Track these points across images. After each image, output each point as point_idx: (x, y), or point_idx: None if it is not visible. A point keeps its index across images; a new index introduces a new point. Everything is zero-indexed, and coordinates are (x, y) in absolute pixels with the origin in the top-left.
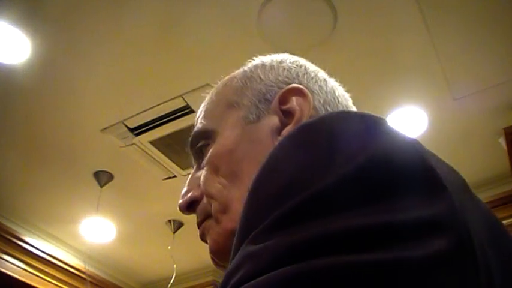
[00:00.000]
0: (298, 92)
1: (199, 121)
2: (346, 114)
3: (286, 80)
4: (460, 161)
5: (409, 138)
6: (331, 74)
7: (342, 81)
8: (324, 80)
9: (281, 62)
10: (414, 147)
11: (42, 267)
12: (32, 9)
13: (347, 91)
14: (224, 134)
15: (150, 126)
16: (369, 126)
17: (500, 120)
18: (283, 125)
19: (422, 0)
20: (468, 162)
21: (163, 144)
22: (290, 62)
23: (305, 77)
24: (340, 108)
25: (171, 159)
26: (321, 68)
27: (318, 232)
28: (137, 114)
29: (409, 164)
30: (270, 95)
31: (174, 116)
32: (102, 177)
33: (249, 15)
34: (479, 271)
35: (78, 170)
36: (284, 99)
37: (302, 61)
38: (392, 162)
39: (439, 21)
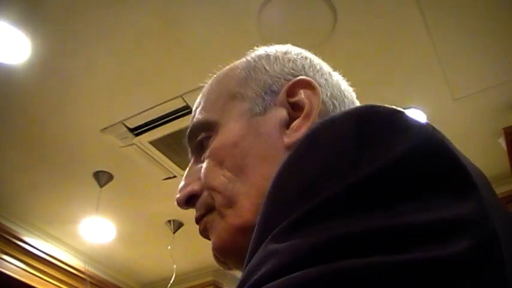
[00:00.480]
0: (306, 85)
1: (198, 112)
2: (376, 109)
3: (293, 71)
4: None
5: (438, 135)
6: None
7: None
8: (329, 73)
9: (286, 53)
10: (443, 144)
11: (42, 268)
12: (32, 10)
13: None
14: (228, 126)
15: (150, 127)
16: (396, 122)
17: (500, 120)
18: (291, 118)
19: (422, 1)
20: None
21: (163, 145)
22: (294, 54)
23: (311, 69)
24: (347, 102)
25: (171, 160)
26: None
27: (342, 232)
28: (137, 114)
29: (438, 162)
30: (276, 87)
31: (174, 116)
32: (102, 178)
33: (249, 15)
34: (507, 274)
35: (78, 170)
36: (292, 91)
37: (306, 53)
38: (421, 161)
39: (439, 21)
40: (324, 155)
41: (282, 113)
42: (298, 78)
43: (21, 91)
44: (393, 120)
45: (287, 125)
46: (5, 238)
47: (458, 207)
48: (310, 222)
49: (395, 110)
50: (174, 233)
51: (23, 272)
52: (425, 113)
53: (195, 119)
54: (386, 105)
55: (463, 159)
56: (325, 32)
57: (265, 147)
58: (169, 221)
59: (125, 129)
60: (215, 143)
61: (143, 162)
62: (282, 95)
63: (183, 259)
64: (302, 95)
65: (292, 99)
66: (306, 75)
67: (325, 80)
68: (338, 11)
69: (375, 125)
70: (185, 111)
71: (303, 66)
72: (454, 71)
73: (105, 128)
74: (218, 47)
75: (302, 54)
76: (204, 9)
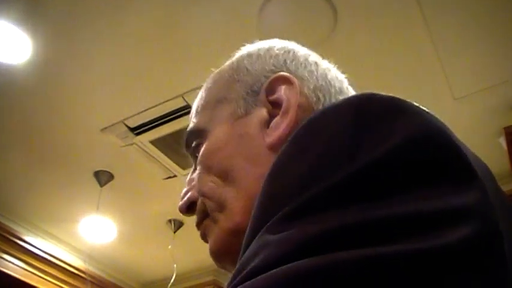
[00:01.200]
0: (284, 81)
1: (191, 120)
2: (374, 97)
3: (273, 68)
4: None
5: (438, 123)
6: None
7: None
8: (315, 63)
9: (268, 49)
10: (443, 133)
11: (42, 267)
12: (33, 9)
13: None
14: (214, 132)
15: (150, 126)
16: (396, 110)
17: (500, 120)
18: (271, 117)
19: (422, 1)
20: None
21: (163, 144)
22: (277, 49)
23: (293, 63)
24: (333, 92)
25: (171, 159)
26: None
27: (336, 224)
28: (137, 113)
29: (438, 150)
30: (257, 86)
31: (174, 116)
32: (103, 177)
33: (249, 14)
34: (508, 264)
35: (78, 170)
36: (271, 89)
37: (291, 45)
38: (421, 149)
39: (439, 21)
40: (321, 146)
41: (262, 112)
42: (276, 74)
43: (22, 91)
44: (392, 109)
45: (267, 124)
46: (5, 237)
47: (459, 196)
48: (305, 214)
49: (394, 98)
50: (174, 232)
51: (23, 271)
52: None
53: (188, 128)
54: (383, 94)
55: (464, 149)
56: (325, 32)
57: (249, 148)
58: (169, 221)
59: (126, 128)
60: (203, 149)
61: (144, 162)
62: (262, 93)
63: (183, 258)
64: (281, 91)
65: (272, 97)
66: (288, 70)
67: (309, 71)
68: (338, 11)
69: (373, 113)
70: (185, 111)
71: (285, 61)
72: (454, 71)
73: (106, 128)
74: (218, 47)
75: (286, 48)
76: (204, 9)
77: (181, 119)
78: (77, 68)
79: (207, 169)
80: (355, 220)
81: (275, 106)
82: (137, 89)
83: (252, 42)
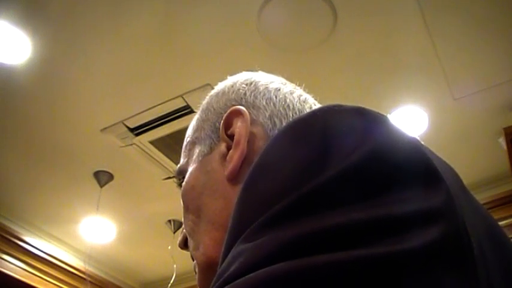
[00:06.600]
0: (237, 113)
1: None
2: (339, 108)
3: (234, 103)
4: (460, 161)
5: (402, 131)
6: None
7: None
8: (276, 89)
9: (232, 85)
10: (410, 140)
11: (42, 267)
12: (32, 9)
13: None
14: (188, 172)
15: (150, 126)
16: (364, 119)
17: (500, 120)
18: (229, 150)
19: (422, 1)
20: (468, 162)
21: (163, 144)
22: (240, 83)
23: (252, 94)
24: (291, 116)
25: (171, 159)
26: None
27: (311, 228)
28: (137, 114)
29: (406, 157)
30: (219, 123)
31: (174, 116)
32: (102, 177)
33: (249, 15)
34: (477, 262)
35: (78, 170)
36: (227, 123)
37: (255, 76)
38: (389, 157)
39: (439, 21)
40: (292, 156)
41: (222, 147)
42: (230, 109)
43: (22, 91)
44: (359, 118)
45: (225, 157)
46: (5, 238)
47: (426, 200)
48: (278, 222)
49: (359, 108)
50: (174, 232)
51: (23, 271)
52: (425, 112)
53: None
54: (350, 105)
55: (429, 154)
56: (325, 32)
57: (212, 183)
58: (169, 221)
59: (125, 129)
60: (181, 189)
61: (143, 162)
62: (221, 129)
63: (183, 259)
64: (235, 124)
65: (229, 131)
66: (246, 102)
67: (268, 99)
68: (338, 11)
69: (340, 122)
70: (185, 111)
71: (244, 94)
72: (454, 71)
73: (105, 128)
74: (218, 47)
75: (248, 81)
76: (204, 10)
77: (181, 119)
78: (77, 68)
79: (186, 208)
80: (328, 225)
81: (232, 139)
82: (137, 89)
83: (252, 42)
